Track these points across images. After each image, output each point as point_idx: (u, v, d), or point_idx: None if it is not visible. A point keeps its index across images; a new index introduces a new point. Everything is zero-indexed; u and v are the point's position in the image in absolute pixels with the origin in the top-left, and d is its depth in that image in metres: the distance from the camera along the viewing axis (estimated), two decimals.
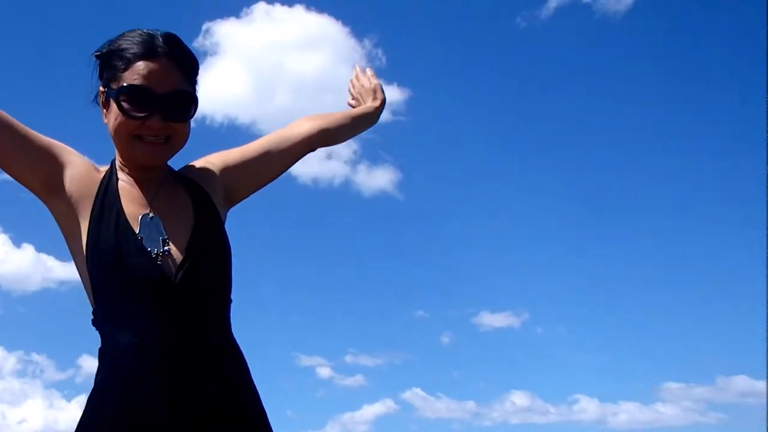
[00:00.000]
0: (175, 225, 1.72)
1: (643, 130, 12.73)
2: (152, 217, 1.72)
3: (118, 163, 1.80)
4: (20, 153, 1.70)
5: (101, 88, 1.77)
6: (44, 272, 11.09)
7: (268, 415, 1.73)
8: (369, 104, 2.31)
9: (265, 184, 1.97)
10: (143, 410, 1.57)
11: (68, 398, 10.43)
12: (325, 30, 11.83)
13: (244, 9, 11.86)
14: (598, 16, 11.88)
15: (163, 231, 1.70)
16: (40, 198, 1.73)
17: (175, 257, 1.66)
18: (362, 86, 2.38)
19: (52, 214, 1.74)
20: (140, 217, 1.71)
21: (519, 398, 10.84)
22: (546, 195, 12.48)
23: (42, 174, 1.71)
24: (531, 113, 12.78)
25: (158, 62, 1.71)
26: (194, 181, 1.83)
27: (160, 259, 1.65)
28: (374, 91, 2.34)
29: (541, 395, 11.03)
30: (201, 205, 1.78)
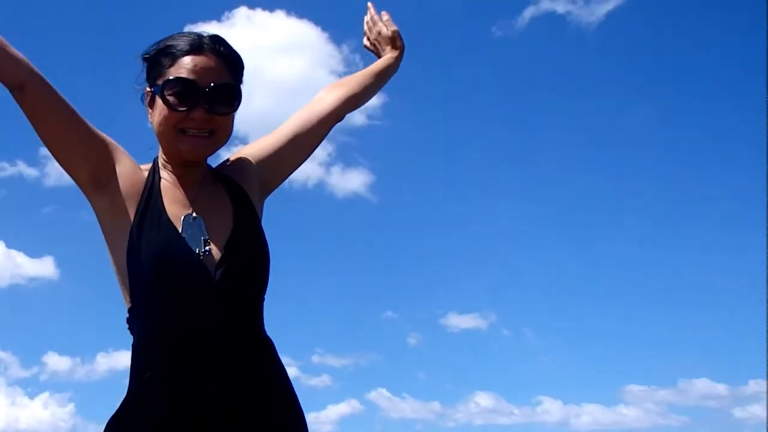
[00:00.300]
0: (216, 225, 1.74)
1: (613, 138, 12.98)
2: (195, 217, 1.74)
3: (161, 161, 1.82)
4: (77, 143, 1.70)
5: (147, 88, 1.79)
6: (13, 268, 10.97)
7: None
8: (388, 55, 2.24)
9: (299, 167, 1.98)
10: (182, 402, 1.61)
11: (31, 396, 10.32)
12: (305, 35, 11.89)
13: (226, 13, 11.86)
14: (572, 27, 12.10)
15: (205, 231, 1.72)
16: (85, 191, 1.74)
17: (215, 257, 1.69)
18: (379, 33, 2.29)
19: (94, 208, 1.74)
20: (183, 217, 1.72)
21: (483, 399, 10.93)
22: (516, 200, 12.64)
23: (92, 167, 1.71)
24: (505, 121, 12.96)
25: (204, 56, 1.73)
26: (232, 179, 1.85)
27: (202, 258, 1.67)
28: (392, 40, 2.26)
29: (505, 396, 11.14)
30: (239, 205, 1.80)
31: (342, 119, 2.04)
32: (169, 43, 1.76)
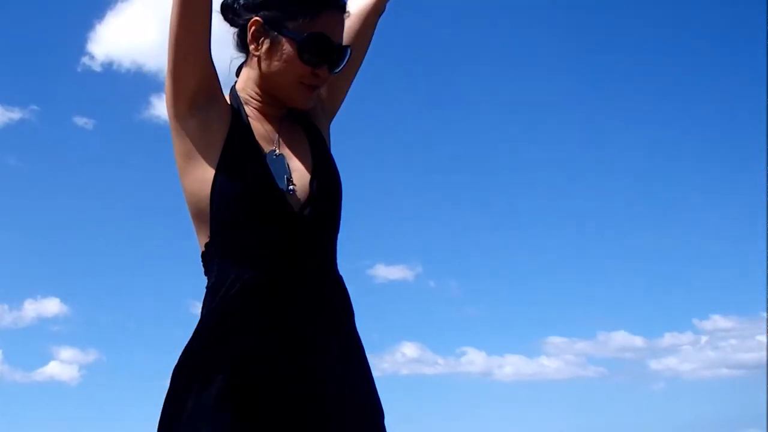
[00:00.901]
0: (297, 163, 1.74)
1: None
2: (278, 154, 1.73)
3: (244, 94, 1.79)
4: (203, 51, 1.67)
5: (259, 19, 1.72)
6: None
7: None
8: None
9: (354, 79, 1.95)
10: (281, 320, 1.63)
11: None
12: None
13: None
14: None
15: (288, 169, 1.71)
16: (177, 111, 1.68)
17: (299, 195, 1.69)
18: None
19: (179, 132, 1.68)
20: (267, 153, 1.72)
21: (409, 349, 11.11)
22: (442, 150, 12.76)
23: (200, 81, 1.67)
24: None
25: (337, 12, 1.73)
26: (306, 116, 1.85)
27: (287, 196, 1.68)
28: None
29: (430, 347, 11.39)
30: (315, 143, 1.81)
31: (384, 10, 1.97)
32: None
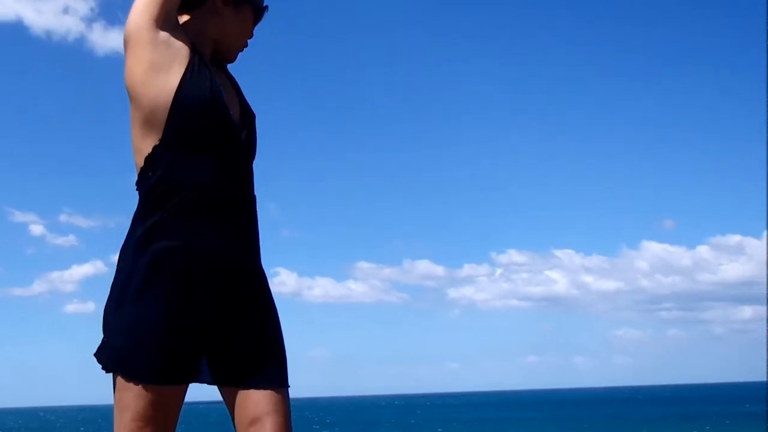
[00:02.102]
0: (231, 97, 1.97)
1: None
2: (221, 85, 1.93)
3: (191, 34, 1.94)
4: None
5: None
6: None
7: None
8: None
9: None
10: (200, 248, 1.82)
11: None
12: None
13: None
14: None
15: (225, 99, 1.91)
16: (151, 21, 1.83)
17: (236, 123, 1.93)
18: None
19: (150, 41, 1.83)
20: (216, 81, 1.91)
21: None
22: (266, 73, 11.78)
23: (175, 1, 1.86)
24: None
25: None
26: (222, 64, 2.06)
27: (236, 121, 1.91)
28: None
29: None
30: (235, 85, 2.05)
31: None
32: None
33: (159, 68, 1.83)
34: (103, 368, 1.81)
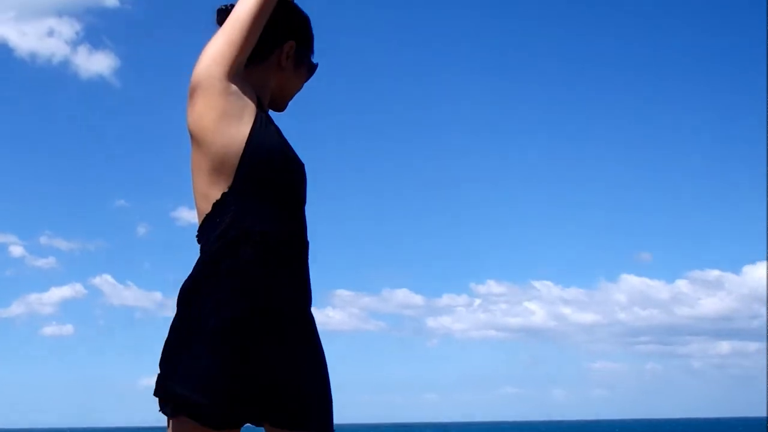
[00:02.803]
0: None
1: None
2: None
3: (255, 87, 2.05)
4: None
5: (293, 44, 2.06)
6: None
7: None
8: None
9: None
10: (261, 296, 1.85)
11: None
12: None
13: None
14: None
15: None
16: (229, 72, 1.90)
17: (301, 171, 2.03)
18: None
19: (224, 91, 1.89)
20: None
21: None
22: None
23: (247, 56, 1.94)
24: None
25: None
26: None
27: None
28: None
29: None
30: (282, 134, 2.08)
31: None
32: (308, 25, 2.13)
33: (231, 117, 1.89)
34: (162, 410, 1.83)
